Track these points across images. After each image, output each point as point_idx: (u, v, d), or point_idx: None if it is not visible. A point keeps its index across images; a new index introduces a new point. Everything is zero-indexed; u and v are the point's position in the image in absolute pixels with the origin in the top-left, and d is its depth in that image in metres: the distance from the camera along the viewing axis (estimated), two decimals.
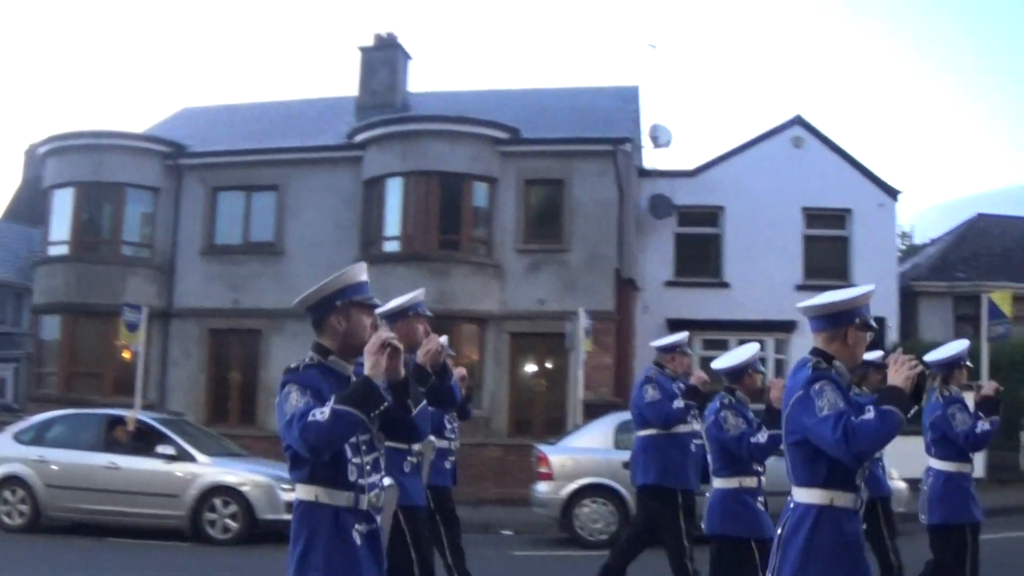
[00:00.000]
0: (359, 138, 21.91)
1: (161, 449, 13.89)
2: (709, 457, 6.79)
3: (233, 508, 13.41)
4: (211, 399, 22.44)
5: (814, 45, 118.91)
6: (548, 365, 20.90)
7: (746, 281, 23.03)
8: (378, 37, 25.14)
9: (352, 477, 4.03)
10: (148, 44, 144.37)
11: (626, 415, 15.36)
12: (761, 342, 22.32)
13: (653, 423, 8.43)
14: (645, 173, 24.24)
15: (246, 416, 22.01)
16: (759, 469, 6.65)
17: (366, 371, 3.92)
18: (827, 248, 23.87)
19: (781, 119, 24.64)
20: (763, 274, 22.85)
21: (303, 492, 4.06)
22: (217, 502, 13.47)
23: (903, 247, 37.25)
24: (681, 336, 9.03)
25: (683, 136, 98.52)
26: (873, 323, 4.56)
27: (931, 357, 7.38)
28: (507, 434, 20.59)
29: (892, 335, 23.18)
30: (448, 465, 8.20)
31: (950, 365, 7.32)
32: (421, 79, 74.68)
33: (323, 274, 19.28)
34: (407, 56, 25.48)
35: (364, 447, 4.09)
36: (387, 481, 4.24)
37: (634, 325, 22.73)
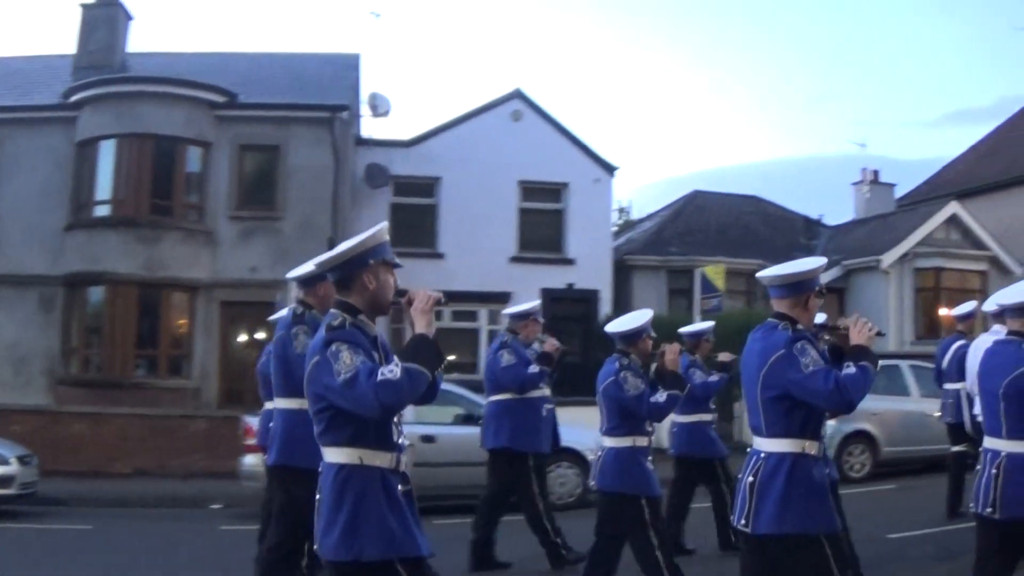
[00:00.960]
0: (74, 98, 21.33)
1: None
2: (602, 417, 7.01)
3: None
4: None
5: (537, 19, 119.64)
6: (259, 335, 20.87)
7: (461, 252, 23.29)
8: None
9: (394, 437, 4.06)
10: None
11: None
12: (475, 312, 23.28)
13: (508, 387, 8.71)
14: (362, 142, 24.34)
15: None
16: (650, 429, 7.01)
17: (420, 329, 3.99)
18: (542, 221, 24.36)
19: (502, 92, 24.97)
20: (478, 245, 23.17)
21: (342, 455, 3.99)
22: None
23: (620, 222, 38.14)
24: (534, 304, 9.36)
25: (403, 106, 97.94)
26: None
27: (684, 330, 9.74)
28: (217, 405, 20.50)
29: (605, 307, 23.95)
30: None
31: (697, 336, 9.62)
32: (142, 40, 71.80)
33: (35, 238, 18.68)
34: (128, 16, 24.74)
35: None
36: (406, 442, 4.23)
37: None
